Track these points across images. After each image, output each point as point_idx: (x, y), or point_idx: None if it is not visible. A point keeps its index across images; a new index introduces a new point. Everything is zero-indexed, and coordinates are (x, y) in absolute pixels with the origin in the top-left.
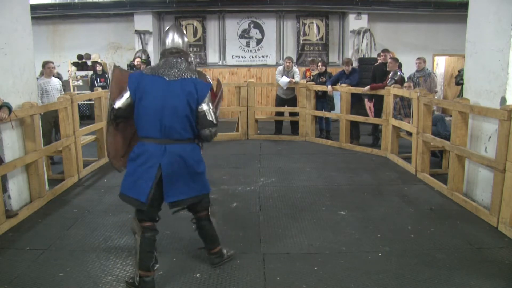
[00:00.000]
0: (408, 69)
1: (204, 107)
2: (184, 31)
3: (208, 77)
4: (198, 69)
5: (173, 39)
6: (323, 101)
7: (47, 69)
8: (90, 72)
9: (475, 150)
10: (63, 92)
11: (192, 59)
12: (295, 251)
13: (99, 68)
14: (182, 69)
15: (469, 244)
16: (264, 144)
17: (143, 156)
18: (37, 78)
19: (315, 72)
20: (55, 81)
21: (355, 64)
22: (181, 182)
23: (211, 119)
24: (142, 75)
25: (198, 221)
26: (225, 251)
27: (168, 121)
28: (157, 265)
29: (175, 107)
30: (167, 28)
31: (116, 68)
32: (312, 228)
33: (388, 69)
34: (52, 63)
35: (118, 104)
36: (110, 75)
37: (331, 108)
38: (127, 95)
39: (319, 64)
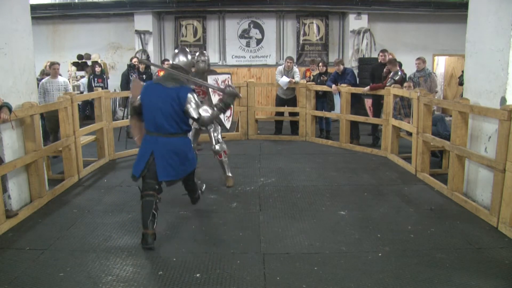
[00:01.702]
0: (408, 69)
1: (188, 107)
2: (187, 50)
3: (220, 75)
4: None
5: (174, 58)
6: (323, 101)
7: (52, 69)
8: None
9: (475, 150)
10: (69, 91)
11: (204, 58)
12: (295, 251)
13: (98, 69)
14: (175, 80)
15: (469, 244)
16: (264, 144)
17: (143, 143)
18: (38, 78)
19: (315, 72)
20: (60, 81)
21: (355, 64)
22: (171, 167)
23: (192, 115)
24: (147, 84)
25: (185, 181)
26: (200, 187)
27: (159, 119)
28: (155, 224)
29: (162, 109)
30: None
31: (135, 79)
32: (312, 228)
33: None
34: (58, 64)
35: (136, 103)
36: (108, 75)
37: (331, 108)
38: (139, 98)
39: (320, 64)
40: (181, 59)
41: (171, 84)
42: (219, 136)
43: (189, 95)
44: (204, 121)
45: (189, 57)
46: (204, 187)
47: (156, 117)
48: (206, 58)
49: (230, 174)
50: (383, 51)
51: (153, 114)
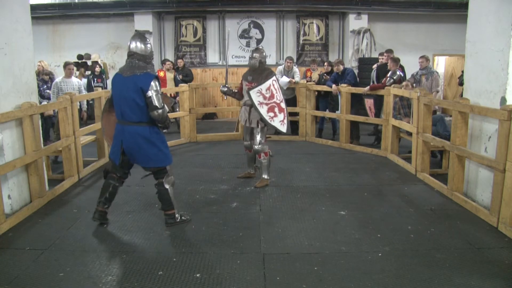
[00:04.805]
0: (408, 69)
1: (149, 93)
2: (147, 39)
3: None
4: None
5: (130, 45)
6: (327, 101)
7: (66, 70)
8: (90, 72)
9: (475, 150)
10: (83, 92)
11: (255, 55)
12: (295, 251)
13: (97, 69)
14: (134, 67)
15: (469, 244)
16: None
17: (115, 131)
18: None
19: (320, 72)
20: (74, 82)
21: (355, 64)
22: (138, 154)
23: (155, 104)
24: (115, 74)
25: (156, 186)
26: (177, 215)
27: (124, 107)
28: (106, 205)
29: (126, 97)
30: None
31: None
32: (312, 228)
33: (388, 68)
34: (73, 64)
35: (108, 95)
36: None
37: (334, 107)
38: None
39: (326, 63)
40: (138, 45)
41: (129, 73)
42: (262, 139)
43: (152, 83)
44: (162, 114)
45: (148, 45)
46: (186, 217)
47: (121, 106)
48: (257, 55)
49: (265, 176)
50: (388, 51)
51: (119, 103)
